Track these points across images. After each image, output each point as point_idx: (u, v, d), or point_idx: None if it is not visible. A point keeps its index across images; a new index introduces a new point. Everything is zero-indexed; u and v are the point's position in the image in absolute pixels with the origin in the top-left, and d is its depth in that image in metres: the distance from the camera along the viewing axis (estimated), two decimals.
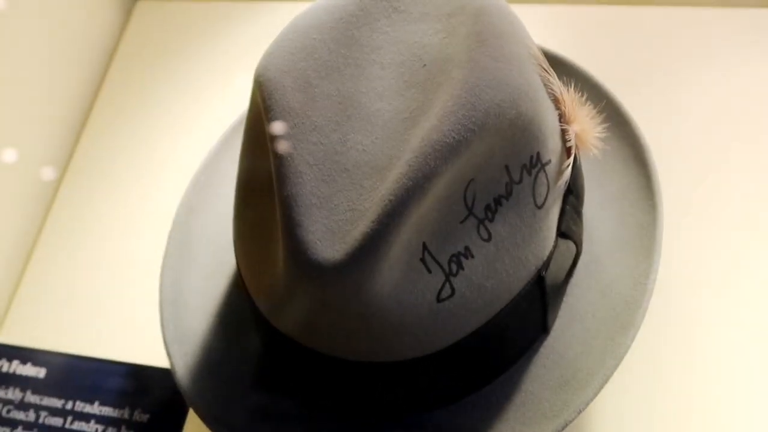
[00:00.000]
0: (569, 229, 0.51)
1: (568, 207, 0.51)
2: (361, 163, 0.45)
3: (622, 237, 0.55)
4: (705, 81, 0.68)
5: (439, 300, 0.45)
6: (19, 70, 0.75)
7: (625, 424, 0.56)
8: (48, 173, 0.77)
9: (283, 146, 0.46)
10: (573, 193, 0.52)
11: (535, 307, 0.51)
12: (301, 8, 0.52)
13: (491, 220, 0.46)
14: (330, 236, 0.43)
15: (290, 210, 0.44)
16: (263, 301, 0.50)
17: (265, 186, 0.48)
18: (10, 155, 0.73)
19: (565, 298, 0.53)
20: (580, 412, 0.48)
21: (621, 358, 0.49)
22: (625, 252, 0.54)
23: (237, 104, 0.67)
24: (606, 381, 0.49)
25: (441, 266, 0.45)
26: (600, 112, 0.52)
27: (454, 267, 0.45)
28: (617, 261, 0.54)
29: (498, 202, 0.46)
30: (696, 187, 0.63)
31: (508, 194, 0.46)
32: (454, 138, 0.43)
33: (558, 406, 0.49)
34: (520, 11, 0.51)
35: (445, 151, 0.43)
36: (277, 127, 0.46)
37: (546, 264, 0.50)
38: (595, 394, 0.49)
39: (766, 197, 0.62)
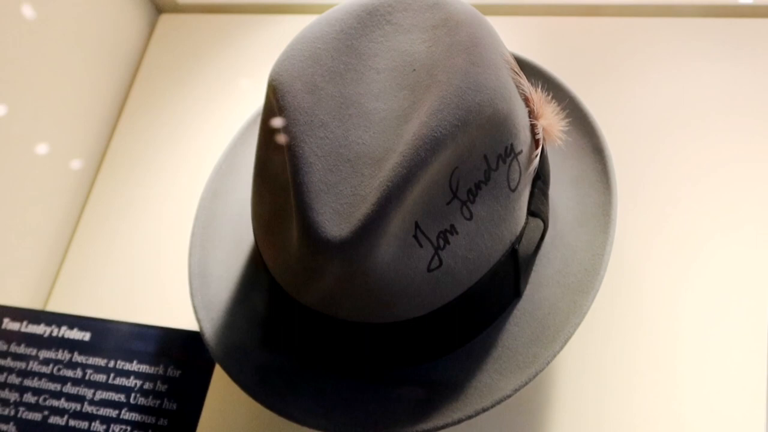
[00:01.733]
0: (538, 208, 0.52)
1: (536, 190, 0.52)
2: (362, 155, 0.45)
3: (582, 214, 0.55)
4: (651, 81, 0.68)
5: (429, 270, 0.46)
6: (57, 78, 0.74)
7: (587, 374, 0.57)
8: (83, 165, 0.77)
9: (295, 141, 0.46)
10: (541, 178, 0.52)
11: (509, 275, 0.51)
12: (307, 21, 0.52)
13: (472, 202, 0.47)
14: (337, 217, 0.44)
15: (302, 195, 0.44)
16: (279, 273, 0.50)
17: (278, 175, 0.48)
18: (54, 150, 0.73)
19: (534, 267, 0.54)
20: (548, 363, 0.49)
21: (583, 317, 0.50)
22: (585, 227, 0.54)
23: (250, 104, 0.67)
24: (570, 337, 0.49)
25: (431, 241, 0.46)
26: (563, 108, 0.53)
27: (441, 242, 0.46)
28: (578, 235, 0.54)
29: (478, 186, 0.47)
30: (645, 170, 0.64)
31: (487, 180, 0.47)
32: (441, 133, 0.44)
33: (530, 358, 0.50)
34: (494, 21, 0.51)
35: (434, 144, 0.43)
36: (290, 124, 0.46)
37: (519, 238, 0.50)
38: (561, 348, 0.49)
39: (704, 176, 0.63)
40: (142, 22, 0.85)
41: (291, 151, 0.46)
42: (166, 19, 0.85)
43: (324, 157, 0.45)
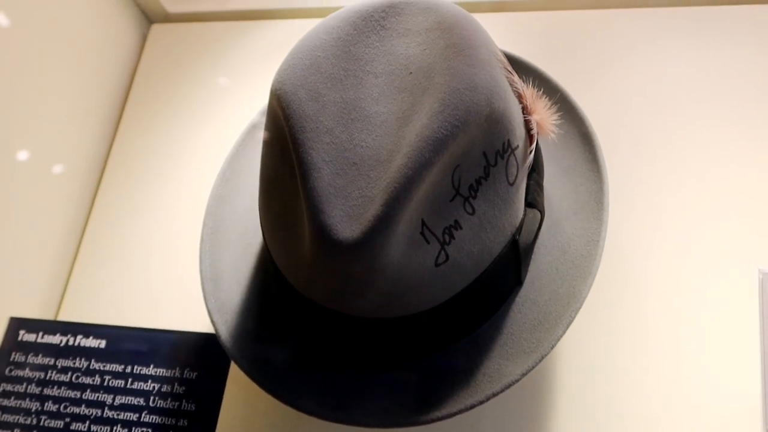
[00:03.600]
0: (534, 199, 0.52)
1: (532, 182, 0.52)
2: (366, 158, 0.45)
3: (576, 203, 0.56)
4: (634, 70, 0.70)
5: (436, 265, 0.46)
6: (55, 91, 0.74)
7: (589, 356, 0.58)
8: (85, 175, 0.77)
9: (303, 148, 0.46)
10: (536, 171, 0.53)
11: (511, 265, 0.51)
12: (297, 26, 0.53)
13: (474, 198, 0.47)
14: (347, 219, 0.44)
15: (313, 200, 0.44)
16: (290, 274, 0.50)
17: (286, 180, 0.48)
18: (56, 161, 0.73)
19: (533, 256, 0.54)
20: (552, 347, 0.49)
21: (582, 302, 0.50)
22: (579, 215, 0.55)
23: (247, 110, 0.67)
24: (572, 321, 0.50)
25: (437, 237, 0.46)
26: (554, 103, 0.53)
27: (447, 237, 0.46)
28: (573, 223, 0.55)
29: (479, 182, 0.47)
30: (633, 157, 0.65)
31: (487, 175, 0.47)
32: (443, 133, 0.44)
33: (534, 343, 0.50)
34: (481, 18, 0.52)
35: (437, 145, 0.44)
36: (297, 132, 0.46)
37: (518, 229, 0.51)
38: (564, 332, 0.50)
39: (690, 159, 0.64)
40: (134, 33, 0.84)
41: (300, 158, 0.46)
42: (157, 30, 0.85)
43: (331, 161, 0.45)
